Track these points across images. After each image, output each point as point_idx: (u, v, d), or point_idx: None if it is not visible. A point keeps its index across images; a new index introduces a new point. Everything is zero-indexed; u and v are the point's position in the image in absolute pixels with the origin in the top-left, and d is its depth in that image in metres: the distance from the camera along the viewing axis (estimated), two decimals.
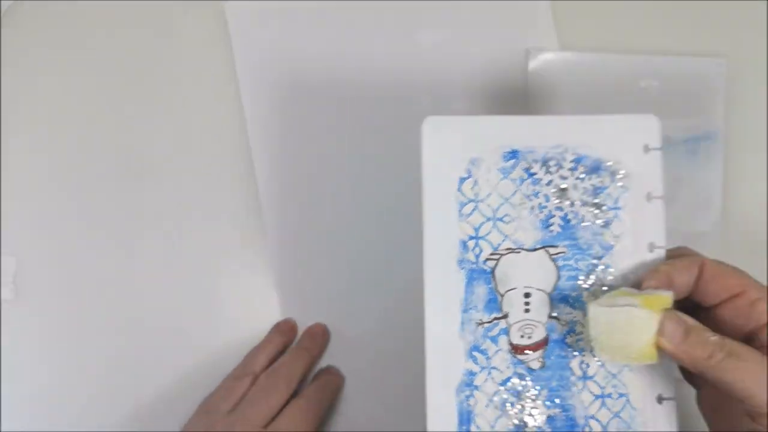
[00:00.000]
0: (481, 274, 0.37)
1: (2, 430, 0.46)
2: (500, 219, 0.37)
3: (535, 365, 0.37)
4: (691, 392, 0.38)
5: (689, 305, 0.35)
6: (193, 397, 0.46)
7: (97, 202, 0.47)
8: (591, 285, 0.37)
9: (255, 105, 0.48)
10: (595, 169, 0.38)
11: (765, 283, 0.35)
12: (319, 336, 0.47)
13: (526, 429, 0.37)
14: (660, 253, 0.37)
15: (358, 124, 0.48)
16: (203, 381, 0.47)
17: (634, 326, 0.33)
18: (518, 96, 0.49)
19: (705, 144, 0.49)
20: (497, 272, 0.37)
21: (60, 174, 0.47)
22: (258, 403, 0.43)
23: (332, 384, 0.46)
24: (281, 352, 0.47)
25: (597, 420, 0.37)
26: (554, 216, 0.38)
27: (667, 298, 0.33)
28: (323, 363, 0.48)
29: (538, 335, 0.37)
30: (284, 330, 0.47)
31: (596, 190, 0.38)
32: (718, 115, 0.49)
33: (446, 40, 0.49)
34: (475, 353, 0.37)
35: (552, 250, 0.37)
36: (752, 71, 0.50)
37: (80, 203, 0.47)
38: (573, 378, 0.37)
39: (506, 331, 0.37)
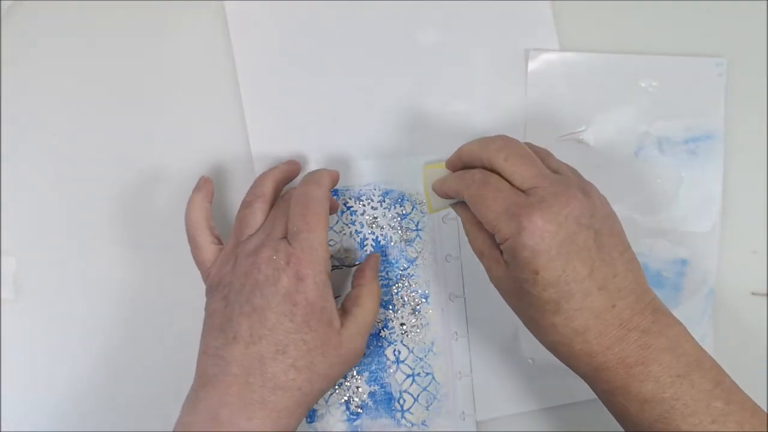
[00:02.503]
0: None
1: (2, 430, 0.46)
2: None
3: None
4: None
5: None
6: None
7: (97, 203, 0.47)
8: (399, 290, 0.47)
9: (255, 105, 0.48)
10: (399, 200, 0.47)
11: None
12: (326, 171, 0.43)
13: (353, 402, 0.46)
14: (456, 263, 0.47)
15: (357, 123, 0.49)
16: None
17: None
18: (518, 96, 0.49)
19: (705, 144, 0.49)
20: None
21: (60, 174, 0.47)
22: (277, 220, 0.40)
23: (317, 173, 0.42)
24: (288, 180, 0.45)
25: (409, 393, 0.47)
26: (368, 239, 0.47)
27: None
28: None
29: None
30: (286, 161, 0.45)
31: (401, 217, 0.47)
32: (718, 115, 0.49)
33: (446, 40, 0.49)
34: None
35: None
36: (752, 71, 0.50)
37: (80, 203, 0.47)
38: (388, 362, 0.47)
39: None
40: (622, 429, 0.38)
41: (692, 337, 0.36)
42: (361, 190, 0.48)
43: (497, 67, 0.49)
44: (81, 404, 0.46)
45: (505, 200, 0.36)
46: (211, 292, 0.40)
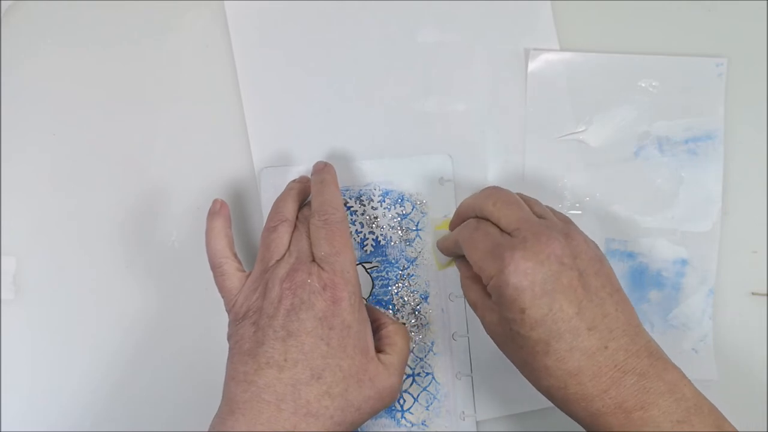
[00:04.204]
0: None
1: (2, 430, 0.46)
2: None
3: None
4: None
5: None
6: (193, 396, 0.46)
7: (97, 202, 0.47)
8: (399, 290, 0.47)
9: (255, 105, 0.48)
10: (399, 200, 0.47)
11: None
12: (326, 166, 0.44)
13: None
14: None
15: (357, 123, 0.48)
16: (204, 380, 0.47)
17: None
18: (518, 96, 0.49)
19: (705, 144, 0.49)
20: None
21: (60, 174, 0.47)
22: (302, 243, 0.40)
23: (329, 174, 0.44)
24: (305, 199, 0.44)
25: (409, 393, 0.47)
26: (368, 239, 0.47)
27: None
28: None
29: None
30: (298, 179, 0.45)
31: (401, 217, 0.47)
32: (718, 115, 0.49)
33: (446, 40, 0.49)
34: None
35: (367, 265, 0.47)
36: (752, 71, 0.50)
37: (80, 203, 0.47)
38: None
39: None
40: None
41: (689, 381, 0.36)
42: (361, 190, 0.48)
43: (497, 67, 0.49)
44: (81, 404, 0.46)
45: (491, 242, 0.38)
46: (238, 320, 0.39)
